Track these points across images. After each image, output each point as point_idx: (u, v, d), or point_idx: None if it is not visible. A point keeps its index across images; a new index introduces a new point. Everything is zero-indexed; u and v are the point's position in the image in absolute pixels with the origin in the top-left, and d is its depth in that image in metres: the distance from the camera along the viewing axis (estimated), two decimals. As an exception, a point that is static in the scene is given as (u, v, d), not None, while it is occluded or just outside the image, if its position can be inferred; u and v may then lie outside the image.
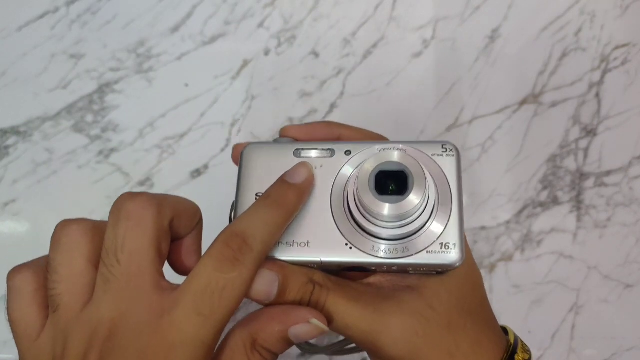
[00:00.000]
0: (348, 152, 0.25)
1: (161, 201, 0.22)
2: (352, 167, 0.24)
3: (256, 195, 0.25)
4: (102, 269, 0.21)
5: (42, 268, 0.23)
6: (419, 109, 0.54)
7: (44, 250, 0.51)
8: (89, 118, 0.51)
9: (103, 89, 0.51)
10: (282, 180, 0.23)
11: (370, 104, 0.53)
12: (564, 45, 0.55)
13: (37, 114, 0.50)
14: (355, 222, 0.23)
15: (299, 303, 0.23)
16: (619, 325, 0.50)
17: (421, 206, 0.22)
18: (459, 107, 0.54)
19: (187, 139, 0.51)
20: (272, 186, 0.23)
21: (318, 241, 0.23)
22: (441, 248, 0.23)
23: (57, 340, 0.21)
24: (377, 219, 0.22)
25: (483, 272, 0.50)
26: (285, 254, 0.23)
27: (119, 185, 0.50)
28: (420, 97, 0.54)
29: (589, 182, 0.53)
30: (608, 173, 0.53)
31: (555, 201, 0.52)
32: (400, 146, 0.24)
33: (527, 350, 0.26)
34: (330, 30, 0.54)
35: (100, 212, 0.49)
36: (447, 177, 0.24)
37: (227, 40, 0.53)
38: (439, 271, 0.24)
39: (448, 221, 0.23)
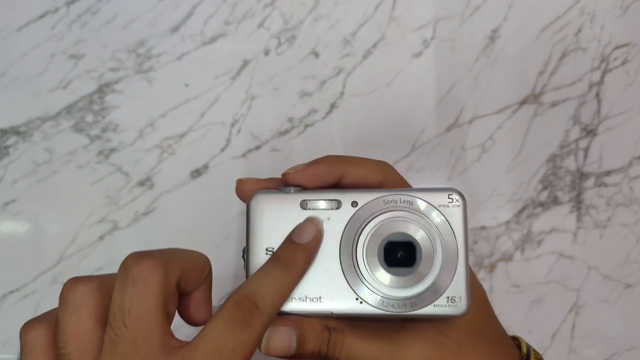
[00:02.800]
0: (355, 204, 0.25)
1: (168, 262, 0.22)
2: (360, 221, 0.25)
3: (266, 250, 0.25)
4: (109, 331, 0.21)
5: (53, 322, 0.23)
6: (419, 109, 0.54)
7: (44, 251, 0.51)
8: (89, 118, 0.51)
9: (103, 89, 0.51)
10: (290, 240, 0.24)
11: (370, 104, 0.53)
12: (564, 45, 0.55)
13: (37, 114, 0.50)
14: (365, 280, 0.25)
15: (318, 351, 0.24)
16: (619, 325, 0.50)
17: (428, 275, 0.24)
18: (459, 107, 0.54)
19: (187, 139, 0.51)
20: (281, 246, 0.24)
21: (329, 295, 0.25)
22: (447, 302, 0.24)
23: None
24: (385, 285, 0.24)
25: (483, 273, 0.50)
26: (299, 308, 0.25)
27: (119, 185, 0.50)
28: (420, 97, 0.54)
29: (589, 182, 0.53)
30: (608, 173, 0.53)
31: (555, 201, 0.52)
32: (406, 198, 0.25)
33: (539, 359, 0.27)
34: (330, 30, 0.54)
35: (100, 212, 0.49)
36: (453, 228, 0.24)
37: (227, 40, 0.53)
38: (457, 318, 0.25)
39: (454, 275, 0.24)
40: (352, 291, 0.24)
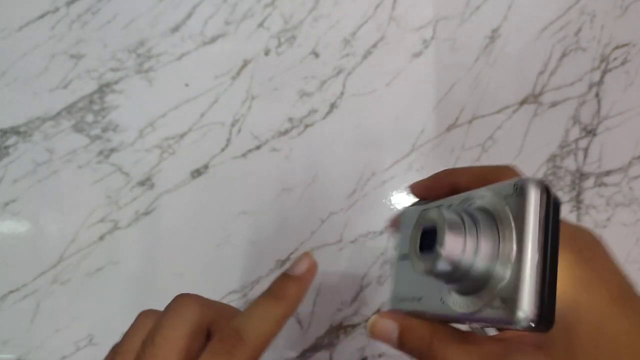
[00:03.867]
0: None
1: (205, 304, 0.25)
2: None
3: (401, 255, 0.28)
4: (140, 349, 0.24)
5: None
6: (419, 109, 0.54)
7: (44, 251, 0.51)
8: (89, 118, 0.51)
9: (103, 89, 0.51)
10: (283, 274, 0.26)
11: (370, 104, 0.53)
12: (564, 45, 0.55)
13: (38, 113, 0.50)
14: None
15: (419, 351, 0.24)
16: (619, 325, 0.50)
17: (458, 257, 0.20)
18: (459, 107, 0.54)
19: (187, 138, 0.51)
20: (274, 280, 0.26)
21: (426, 296, 0.25)
22: (501, 303, 0.20)
23: None
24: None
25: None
26: (404, 307, 0.26)
27: (119, 185, 0.50)
28: (420, 97, 0.54)
29: (589, 182, 0.53)
30: (608, 173, 0.53)
31: (555, 201, 0.52)
32: (470, 194, 0.24)
33: None
34: (330, 30, 0.54)
35: (101, 212, 0.49)
36: (513, 222, 0.20)
37: (227, 40, 0.53)
38: (523, 328, 0.20)
39: (510, 272, 0.20)
40: (438, 291, 0.24)
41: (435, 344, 0.24)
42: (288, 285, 0.25)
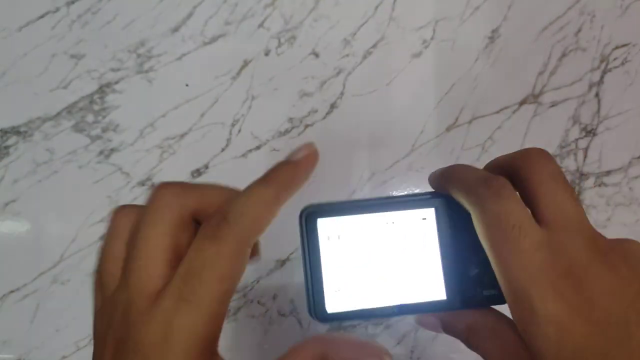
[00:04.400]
0: None
1: (186, 190, 0.23)
2: None
3: None
4: (125, 254, 0.22)
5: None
6: (419, 109, 0.54)
7: (44, 251, 0.51)
8: (90, 118, 0.51)
9: (103, 89, 0.51)
10: (281, 161, 0.24)
11: (370, 104, 0.53)
12: (563, 45, 0.55)
13: (38, 113, 0.50)
14: None
15: (466, 339, 0.26)
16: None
17: None
18: (459, 107, 0.54)
19: (187, 138, 0.51)
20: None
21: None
22: None
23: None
24: None
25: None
26: None
27: (119, 185, 0.50)
28: (420, 97, 0.54)
29: (589, 182, 0.53)
30: (608, 173, 0.53)
31: (555, 201, 0.52)
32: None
33: None
34: (330, 30, 0.54)
35: (101, 212, 0.49)
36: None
37: (227, 40, 0.53)
38: None
39: None
40: None
41: (471, 337, 0.25)
42: (281, 169, 0.23)
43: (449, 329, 0.27)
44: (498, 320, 0.25)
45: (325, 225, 0.26)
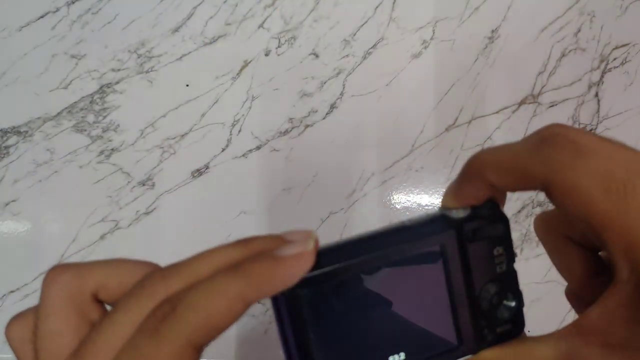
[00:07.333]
0: None
1: (79, 270, 0.20)
2: None
3: None
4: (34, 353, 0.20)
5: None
6: (419, 109, 0.54)
7: (44, 250, 0.51)
8: (90, 118, 0.51)
9: (104, 89, 0.51)
10: (264, 250, 0.19)
11: (370, 104, 0.53)
12: (563, 45, 0.55)
13: (38, 114, 0.50)
14: None
15: None
16: (618, 325, 0.50)
17: None
18: (458, 107, 0.54)
19: (188, 138, 0.51)
20: (253, 240, 0.20)
21: None
22: None
23: None
24: None
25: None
26: None
27: (119, 185, 0.50)
28: (420, 97, 0.54)
29: (588, 182, 0.53)
30: (607, 173, 0.53)
31: (554, 201, 0.52)
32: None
33: None
34: (330, 31, 0.54)
35: (101, 212, 0.50)
36: None
37: (227, 40, 0.53)
38: None
39: None
40: None
41: None
42: (260, 261, 0.18)
43: None
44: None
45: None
